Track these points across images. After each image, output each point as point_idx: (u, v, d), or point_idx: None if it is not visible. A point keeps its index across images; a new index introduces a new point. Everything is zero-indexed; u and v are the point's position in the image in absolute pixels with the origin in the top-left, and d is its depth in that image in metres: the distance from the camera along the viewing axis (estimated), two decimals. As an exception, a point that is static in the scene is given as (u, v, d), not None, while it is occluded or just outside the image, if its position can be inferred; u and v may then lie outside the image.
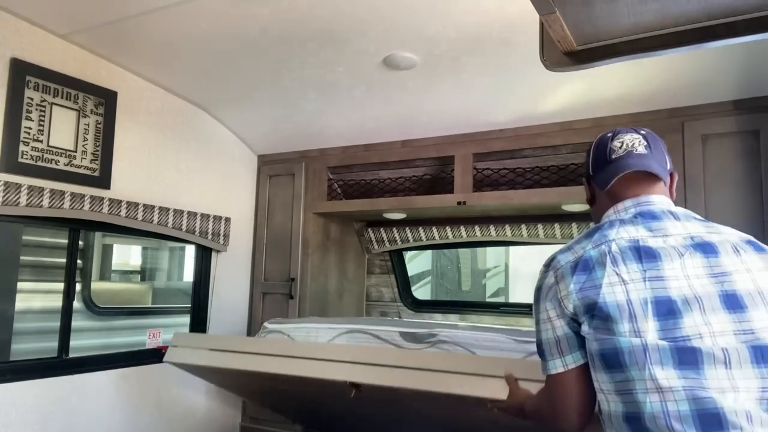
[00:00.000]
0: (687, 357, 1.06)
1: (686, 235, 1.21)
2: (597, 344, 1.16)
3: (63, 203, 2.56)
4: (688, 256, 1.17)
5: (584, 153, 2.83)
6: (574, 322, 1.21)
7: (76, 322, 2.81)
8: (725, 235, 1.22)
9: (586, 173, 1.45)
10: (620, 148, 1.35)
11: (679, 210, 1.29)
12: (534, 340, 1.35)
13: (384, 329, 2.62)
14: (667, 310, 1.11)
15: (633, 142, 1.35)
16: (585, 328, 1.19)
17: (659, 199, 1.31)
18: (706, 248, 1.18)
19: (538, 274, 1.31)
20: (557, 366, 1.24)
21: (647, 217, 1.27)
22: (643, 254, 1.18)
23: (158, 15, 2.30)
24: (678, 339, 1.08)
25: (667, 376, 1.05)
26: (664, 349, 1.08)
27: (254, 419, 3.55)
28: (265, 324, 2.91)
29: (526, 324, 3.42)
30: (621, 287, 1.15)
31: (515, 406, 1.58)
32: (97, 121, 2.75)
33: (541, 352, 1.28)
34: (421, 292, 4.73)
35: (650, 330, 1.10)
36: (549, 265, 1.28)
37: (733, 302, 1.11)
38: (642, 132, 1.38)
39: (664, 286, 1.14)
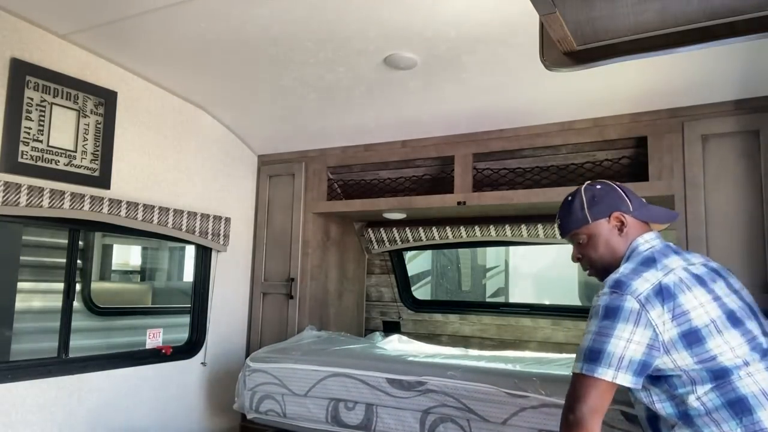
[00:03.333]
0: (766, 356, 1.46)
1: (703, 263, 1.61)
2: (704, 371, 1.43)
3: (63, 203, 2.56)
4: (710, 281, 1.55)
5: (584, 153, 2.86)
6: (657, 352, 1.45)
7: (76, 322, 2.81)
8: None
9: (619, 207, 1.69)
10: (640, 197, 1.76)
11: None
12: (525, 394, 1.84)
13: (371, 375, 2.53)
14: (736, 320, 1.48)
15: None
16: (681, 356, 1.44)
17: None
18: (719, 273, 1.60)
19: (603, 295, 1.50)
20: (606, 374, 1.42)
21: (672, 249, 1.63)
22: (699, 279, 1.52)
23: (158, 15, 2.30)
24: (755, 342, 1.47)
25: (764, 376, 1.43)
26: (754, 357, 1.44)
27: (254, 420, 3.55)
28: (248, 362, 2.91)
29: (527, 324, 3.42)
30: (702, 309, 1.46)
31: None
32: (97, 121, 2.75)
33: (593, 357, 1.44)
34: (421, 292, 4.73)
35: (738, 341, 1.45)
36: (619, 288, 1.48)
37: (749, 312, 1.54)
38: None
39: (725, 302, 1.50)
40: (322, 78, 2.75)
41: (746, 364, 1.42)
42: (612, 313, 1.46)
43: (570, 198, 1.77)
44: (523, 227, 3.31)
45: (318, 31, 2.34)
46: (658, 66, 2.31)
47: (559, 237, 1.88)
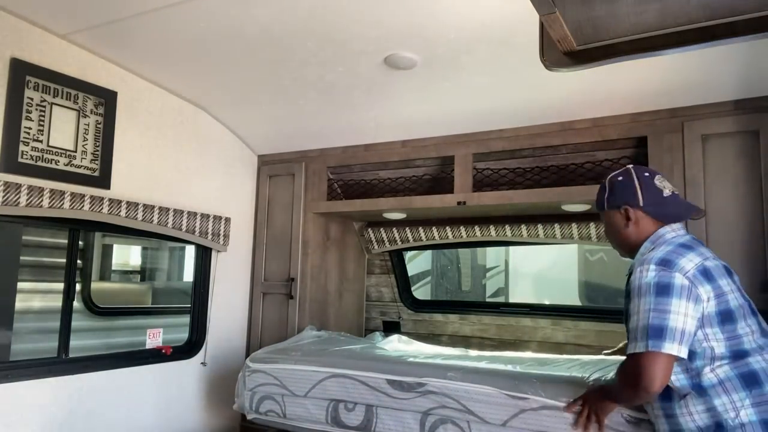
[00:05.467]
0: None
1: (715, 257, 1.75)
2: (727, 348, 1.60)
3: (63, 203, 2.56)
4: (728, 275, 1.73)
5: (584, 153, 2.86)
6: (700, 324, 1.60)
7: (76, 322, 2.81)
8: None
9: (629, 201, 1.82)
10: (665, 188, 1.83)
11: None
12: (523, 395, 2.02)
13: (371, 375, 2.52)
14: (753, 311, 1.70)
15: (669, 185, 1.85)
16: (714, 332, 1.59)
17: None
18: (729, 270, 1.77)
19: (649, 271, 1.63)
20: (673, 349, 1.55)
21: (698, 242, 1.78)
22: (727, 270, 1.72)
23: (158, 15, 2.30)
24: (765, 331, 1.69)
25: None
26: (767, 342, 1.64)
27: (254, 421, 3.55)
28: (248, 362, 2.89)
29: (527, 324, 3.42)
30: (733, 295, 1.65)
31: (596, 399, 1.90)
32: (97, 121, 2.75)
33: (657, 333, 1.55)
34: (421, 292, 4.74)
35: (755, 327, 1.65)
36: (666, 265, 1.63)
37: (754, 307, 1.75)
38: (663, 174, 1.95)
39: (742, 294, 1.70)
40: (322, 78, 2.75)
41: (761, 348, 1.60)
42: (665, 290, 1.58)
43: (603, 181, 1.95)
44: (523, 227, 3.31)
45: (318, 31, 2.34)
46: (658, 66, 2.31)
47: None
